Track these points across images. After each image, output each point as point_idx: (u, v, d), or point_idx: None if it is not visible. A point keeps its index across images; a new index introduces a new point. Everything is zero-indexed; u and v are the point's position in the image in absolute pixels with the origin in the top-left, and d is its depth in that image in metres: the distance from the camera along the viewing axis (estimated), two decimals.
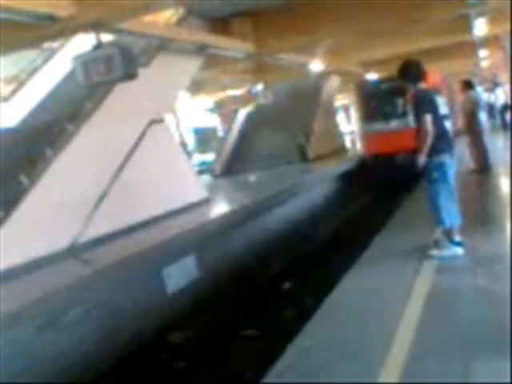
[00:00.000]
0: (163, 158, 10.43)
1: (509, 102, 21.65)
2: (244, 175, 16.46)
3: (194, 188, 11.48)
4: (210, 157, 21.36)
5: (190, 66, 11.90)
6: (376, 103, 17.09)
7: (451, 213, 5.73)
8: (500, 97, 28.26)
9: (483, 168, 11.11)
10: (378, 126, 16.92)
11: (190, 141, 25.32)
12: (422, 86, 5.78)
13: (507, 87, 23.87)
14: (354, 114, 19.15)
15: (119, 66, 6.99)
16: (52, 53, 11.54)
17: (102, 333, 6.46)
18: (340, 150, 20.80)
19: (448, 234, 5.82)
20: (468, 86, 11.69)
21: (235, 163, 18.35)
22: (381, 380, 3.49)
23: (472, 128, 11.42)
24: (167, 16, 10.18)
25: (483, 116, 11.65)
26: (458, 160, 6.29)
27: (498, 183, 10.33)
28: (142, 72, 8.25)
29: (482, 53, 20.89)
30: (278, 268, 9.82)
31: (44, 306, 5.74)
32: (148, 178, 9.71)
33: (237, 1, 10.71)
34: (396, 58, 14.16)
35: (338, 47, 15.52)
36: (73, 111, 9.15)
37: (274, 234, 10.78)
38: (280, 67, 16.57)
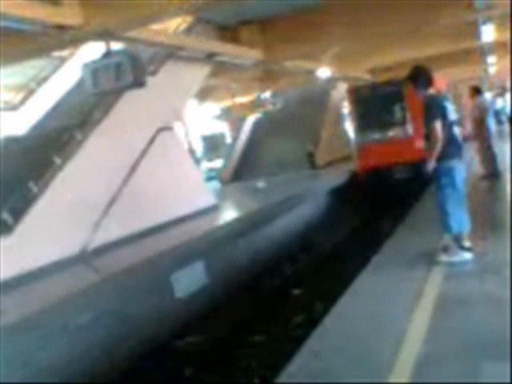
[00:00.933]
0: (172, 165, 10.47)
1: None
2: (252, 182, 16.45)
3: (202, 195, 11.51)
4: (218, 163, 21.41)
5: (199, 74, 11.97)
6: (371, 110, 15.15)
7: (460, 218, 5.73)
8: (509, 102, 28.12)
9: (492, 174, 11.08)
10: (374, 135, 15.14)
11: (199, 148, 25.36)
12: (432, 91, 5.80)
13: None
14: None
15: (128, 73, 7.03)
16: (61, 61, 11.64)
17: (110, 339, 6.48)
18: (348, 157, 20.69)
19: (457, 239, 5.81)
20: (476, 91, 11.70)
21: (243, 170, 18.37)
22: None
23: (481, 134, 11.41)
24: (176, 24, 10.25)
25: (492, 122, 11.60)
26: (466, 165, 6.29)
27: (506, 189, 10.27)
28: (151, 80, 8.31)
29: (491, 59, 20.84)
30: (286, 274, 9.83)
31: (51, 313, 5.77)
32: (156, 185, 9.76)
33: (245, 9, 10.76)
34: (404, 65, 14.23)
35: (345, 54, 15.51)
36: (82, 119, 9.24)
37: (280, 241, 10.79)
38: (288, 74, 16.61)
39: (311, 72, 16.16)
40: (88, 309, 6.20)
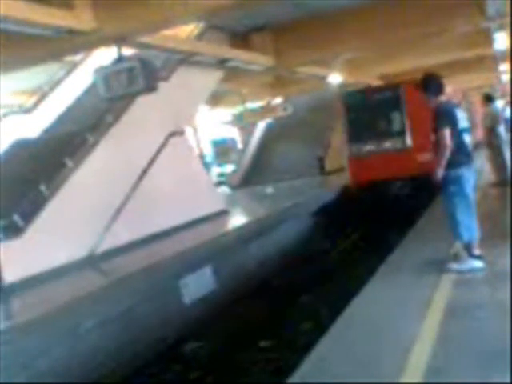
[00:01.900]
0: (182, 169, 10.51)
1: None
2: (261, 187, 16.45)
3: (212, 199, 11.53)
4: (228, 168, 21.46)
5: (210, 80, 12.02)
6: (366, 118, 13.73)
7: (470, 226, 5.69)
8: None
9: (503, 181, 11.01)
10: (369, 146, 13.67)
11: (209, 153, 25.43)
12: (443, 98, 5.78)
13: None
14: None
15: (140, 79, 7.08)
16: (74, 65, 11.74)
17: (118, 343, 6.48)
18: None
19: (467, 247, 5.78)
20: (488, 99, 11.66)
21: (253, 175, 18.40)
22: None
23: (492, 141, 11.36)
24: (188, 30, 10.30)
25: (503, 129, 11.55)
26: (477, 173, 6.25)
27: None
28: (163, 85, 8.35)
29: (503, 66, 20.76)
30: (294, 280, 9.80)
31: (58, 317, 5.79)
32: (167, 190, 9.79)
33: (257, 15, 10.81)
34: (415, 71, 14.20)
35: (356, 60, 15.53)
36: (94, 123, 9.29)
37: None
38: (299, 80, 16.62)
39: (322, 78, 16.17)
40: (94, 313, 6.21)
